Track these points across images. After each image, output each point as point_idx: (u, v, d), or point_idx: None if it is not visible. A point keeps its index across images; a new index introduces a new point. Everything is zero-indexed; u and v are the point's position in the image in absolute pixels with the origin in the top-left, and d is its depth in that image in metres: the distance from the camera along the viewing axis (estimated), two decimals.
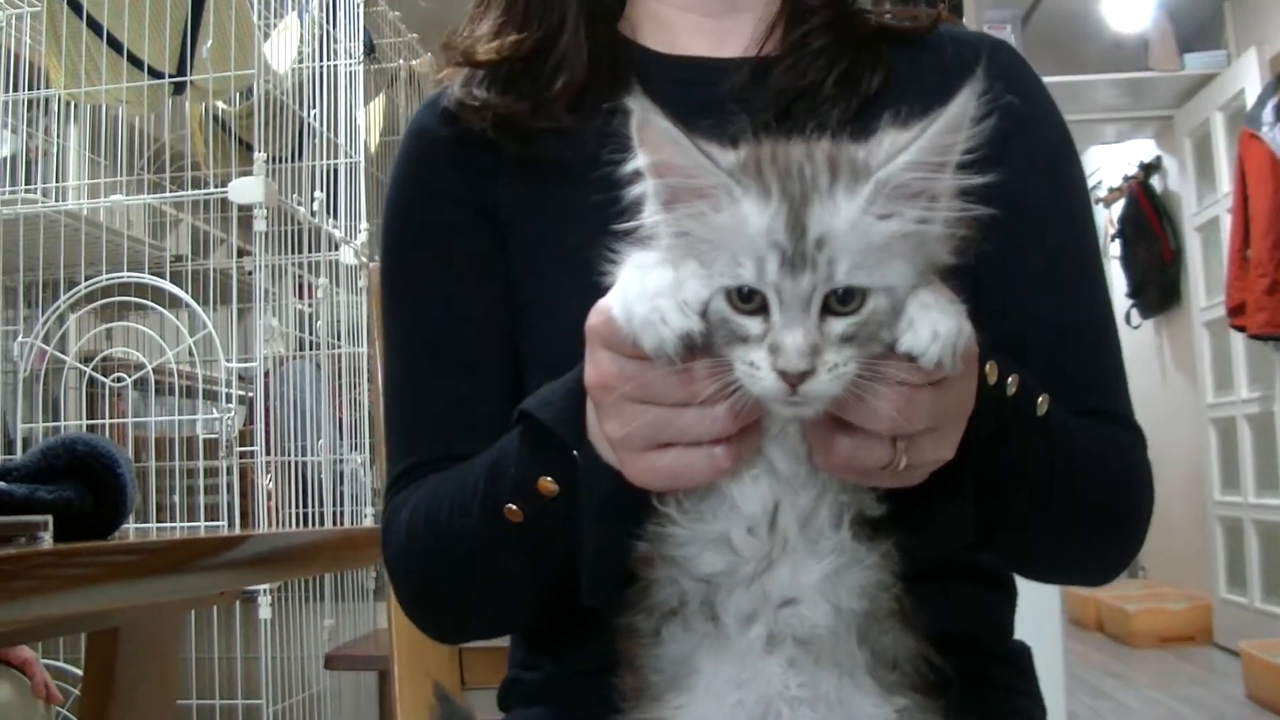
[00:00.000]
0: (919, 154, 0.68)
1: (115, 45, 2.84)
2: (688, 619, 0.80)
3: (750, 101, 1.07)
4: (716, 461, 0.74)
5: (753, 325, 0.67)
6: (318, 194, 3.27)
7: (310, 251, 3.27)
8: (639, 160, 0.71)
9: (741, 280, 0.67)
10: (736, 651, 0.78)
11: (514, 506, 0.91)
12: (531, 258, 1.12)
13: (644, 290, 0.70)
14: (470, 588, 1.03)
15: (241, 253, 3.07)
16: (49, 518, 1.21)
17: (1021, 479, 0.91)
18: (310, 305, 3.43)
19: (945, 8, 1.28)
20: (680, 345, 0.69)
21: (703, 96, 1.07)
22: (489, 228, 1.13)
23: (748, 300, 0.67)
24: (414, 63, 4.26)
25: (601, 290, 0.77)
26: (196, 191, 3.04)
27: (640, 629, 0.83)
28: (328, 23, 3.41)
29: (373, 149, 3.85)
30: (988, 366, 0.82)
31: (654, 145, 0.69)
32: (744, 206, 0.67)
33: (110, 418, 2.81)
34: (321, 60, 3.39)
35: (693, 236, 0.69)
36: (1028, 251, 1.10)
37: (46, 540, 1.19)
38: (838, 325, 0.67)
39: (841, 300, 0.66)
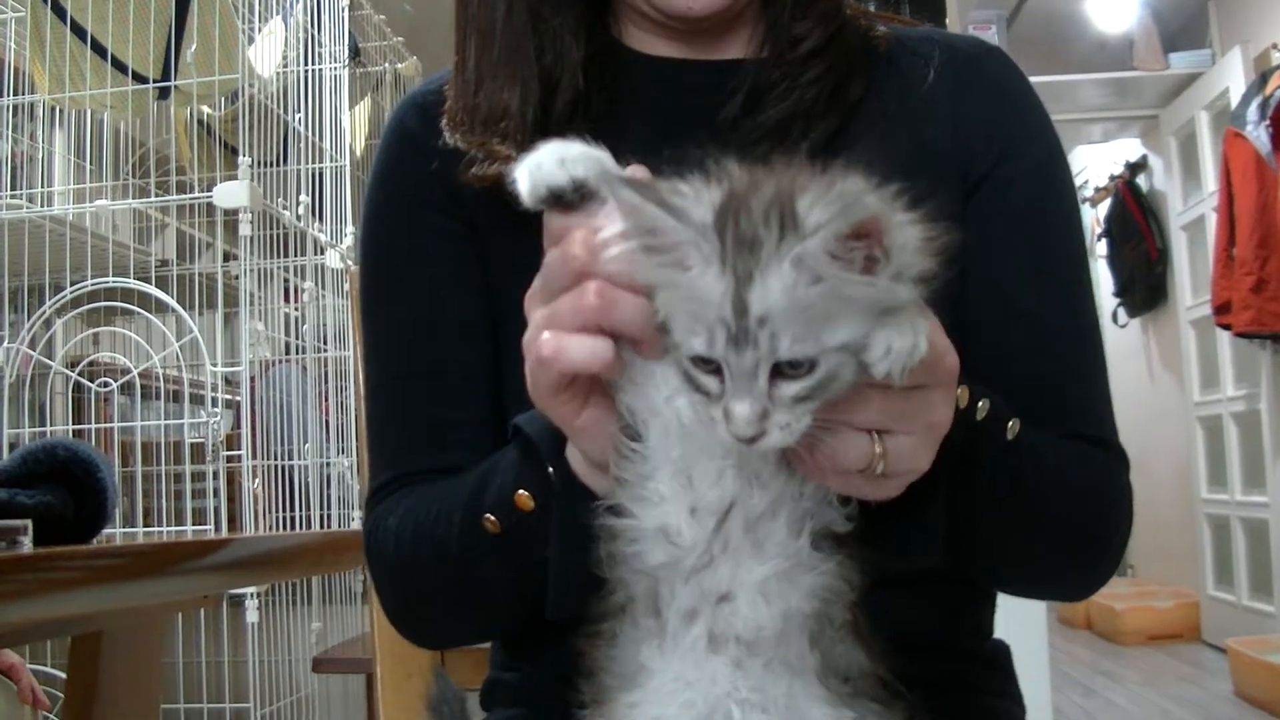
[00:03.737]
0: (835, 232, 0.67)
1: (99, 50, 2.84)
2: (635, 616, 0.82)
3: (744, 132, 1.05)
4: (597, 349, 0.74)
5: (712, 384, 0.70)
6: (303, 198, 3.27)
7: (296, 255, 3.27)
8: (612, 226, 0.72)
9: (694, 351, 0.69)
10: (681, 649, 0.80)
11: (492, 518, 0.92)
12: (509, 269, 1.09)
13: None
14: (450, 594, 1.03)
15: (227, 257, 3.06)
16: (28, 522, 1.21)
17: (986, 501, 0.91)
18: (296, 309, 3.43)
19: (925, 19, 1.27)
20: (549, 197, 0.75)
21: (696, 105, 1.07)
22: (468, 234, 1.12)
23: (708, 363, 0.70)
24: (399, 66, 4.25)
25: None
26: (182, 196, 3.04)
27: (598, 633, 0.84)
28: (312, 26, 3.41)
29: (358, 153, 3.84)
30: (959, 390, 0.83)
31: (621, 213, 0.71)
32: (707, 275, 0.68)
33: (97, 423, 2.81)
34: (306, 64, 3.39)
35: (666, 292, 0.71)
36: (1017, 261, 1.09)
37: (26, 545, 1.20)
38: (789, 389, 0.68)
39: (792, 366, 0.68)
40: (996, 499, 0.92)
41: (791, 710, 0.79)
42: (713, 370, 0.70)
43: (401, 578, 1.07)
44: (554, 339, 0.75)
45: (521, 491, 0.90)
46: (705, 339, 0.68)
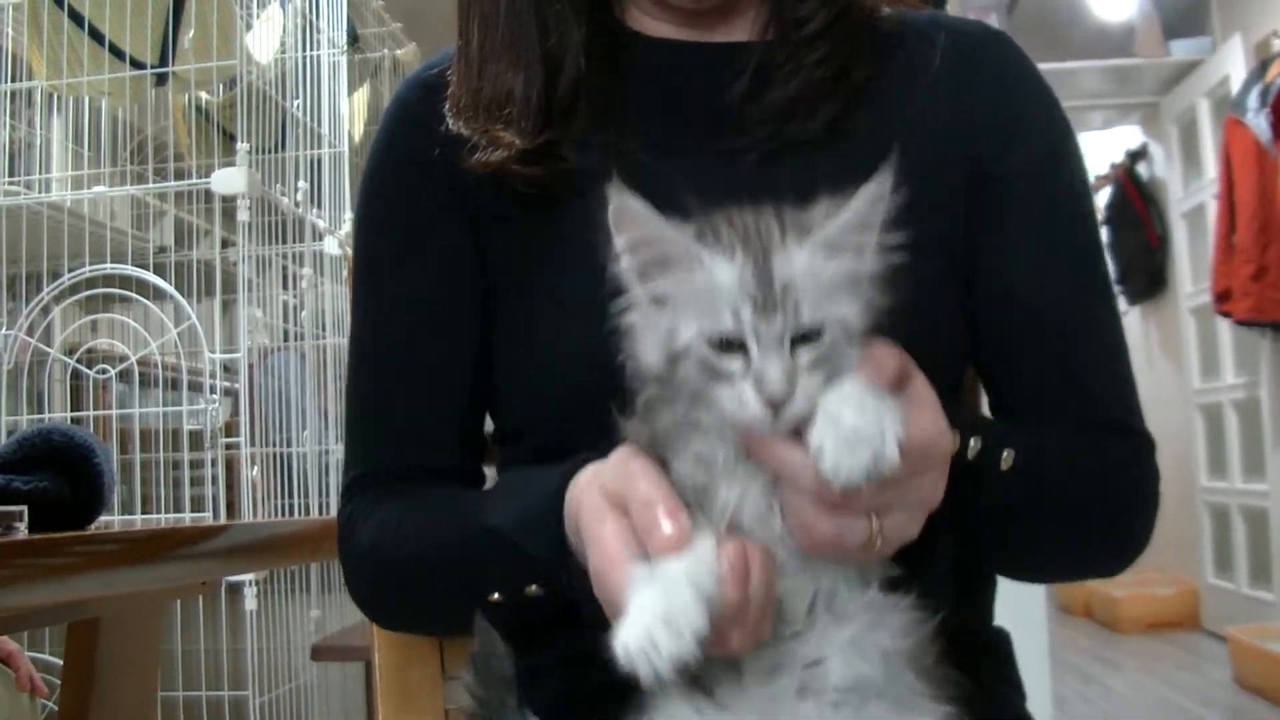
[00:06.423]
0: (852, 215, 0.77)
1: (97, 36, 2.83)
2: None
3: (750, 114, 1.05)
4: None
5: (734, 365, 0.76)
6: (301, 184, 3.25)
7: (294, 242, 3.25)
8: (618, 242, 0.78)
9: (720, 330, 0.76)
10: (764, 696, 0.83)
11: (498, 596, 0.94)
12: (508, 260, 1.09)
13: (639, 616, 0.74)
14: (440, 621, 1.08)
15: (226, 244, 3.05)
16: (24, 508, 1.20)
17: (985, 527, 0.94)
18: (295, 296, 3.42)
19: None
20: (673, 669, 0.74)
21: (700, 87, 1.07)
22: (465, 218, 1.11)
23: (727, 347, 0.75)
24: (398, 52, 4.24)
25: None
26: (180, 182, 3.02)
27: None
28: (311, 12, 3.39)
29: (357, 139, 3.82)
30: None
31: (631, 225, 0.78)
32: (713, 268, 0.76)
33: (95, 410, 2.79)
34: (305, 50, 3.37)
35: (671, 300, 0.78)
36: (1030, 247, 1.09)
37: (22, 530, 1.19)
38: (805, 354, 0.76)
39: (805, 335, 0.75)
40: (996, 522, 0.95)
41: None
42: (734, 351, 0.76)
43: (382, 599, 1.10)
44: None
45: (531, 586, 0.93)
46: (731, 317, 0.75)
